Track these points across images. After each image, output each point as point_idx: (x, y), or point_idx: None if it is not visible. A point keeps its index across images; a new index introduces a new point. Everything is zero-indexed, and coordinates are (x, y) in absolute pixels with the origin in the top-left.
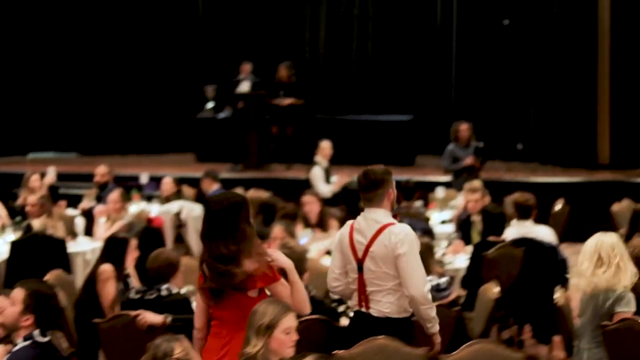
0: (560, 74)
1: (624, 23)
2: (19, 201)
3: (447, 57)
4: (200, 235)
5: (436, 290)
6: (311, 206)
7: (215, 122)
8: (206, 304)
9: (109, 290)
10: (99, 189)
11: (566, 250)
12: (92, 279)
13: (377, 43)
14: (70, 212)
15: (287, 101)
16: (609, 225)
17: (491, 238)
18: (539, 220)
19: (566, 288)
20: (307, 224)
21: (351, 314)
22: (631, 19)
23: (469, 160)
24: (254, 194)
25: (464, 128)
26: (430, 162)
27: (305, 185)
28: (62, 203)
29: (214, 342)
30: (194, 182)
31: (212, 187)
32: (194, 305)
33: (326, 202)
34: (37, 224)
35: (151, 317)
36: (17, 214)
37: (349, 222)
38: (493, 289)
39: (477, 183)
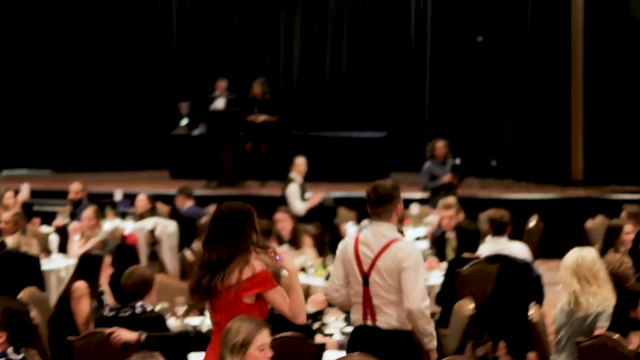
0: (533, 91)
1: (596, 39)
2: None
3: (421, 74)
4: (203, 241)
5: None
6: (284, 223)
7: (189, 138)
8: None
9: (83, 307)
10: (73, 206)
11: (540, 266)
12: (66, 297)
13: (351, 60)
14: (44, 229)
15: (261, 118)
16: (583, 241)
17: (465, 254)
18: (513, 236)
19: (541, 304)
20: (280, 241)
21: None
22: (604, 36)
23: (446, 178)
24: None
25: (440, 145)
26: (405, 178)
27: (280, 201)
28: (36, 220)
29: (213, 348)
30: (168, 199)
31: (186, 204)
32: (168, 322)
33: (300, 219)
34: (10, 241)
35: (125, 335)
36: None
37: (353, 235)
38: (468, 306)
39: (451, 199)
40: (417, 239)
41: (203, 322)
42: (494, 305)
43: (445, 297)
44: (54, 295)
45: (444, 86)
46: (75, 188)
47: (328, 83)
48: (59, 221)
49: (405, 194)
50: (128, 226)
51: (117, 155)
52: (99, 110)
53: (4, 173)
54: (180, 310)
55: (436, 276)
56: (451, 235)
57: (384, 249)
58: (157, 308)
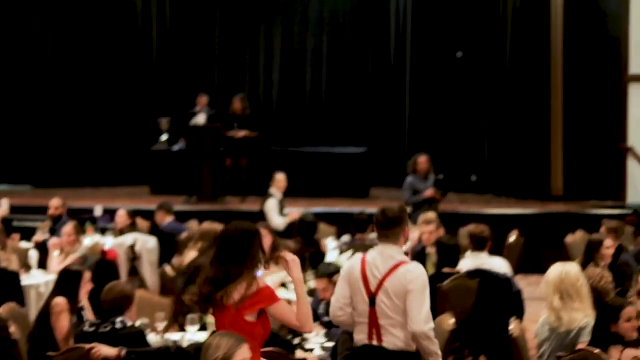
0: (513, 106)
1: (576, 56)
2: None
3: (401, 89)
4: (211, 259)
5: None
6: (264, 239)
7: (169, 154)
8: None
9: (62, 323)
10: (52, 221)
11: (521, 281)
12: (46, 312)
13: (331, 76)
14: (24, 245)
15: (242, 133)
16: (563, 256)
17: (446, 270)
18: (494, 251)
19: (521, 319)
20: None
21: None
22: (583, 51)
23: (429, 193)
24: (208, 226)
25: (422, 160)
26: (385, 194)
27: (260, 217)
28: (16, 236)
29: None
30: (149, 215)
31: (166, 220)
32: (149, 338)
33: (281, 235)
34: None
35: (106, 350)
36: None
37: (359, 255)
38: (448, 321)
39: (431, 215)
40: None
41: (183, 337)
42: (474, 320)
43: None
44: (33, 310)
45: (424, 102)
46: (55, 204)
47: (308, 99)
48: (39, 237)
49: None
50: (108, 242)
51: (97, 171)
52: (79, 126)
53: None
54: (161, 325)
55: None
56: (432, 251)
57: (392, 270)
58: (138, 324)
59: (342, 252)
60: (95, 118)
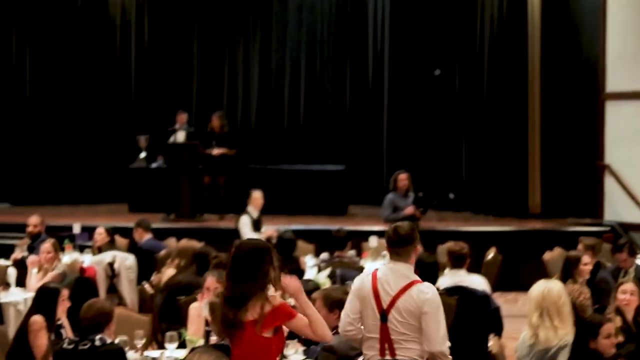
0: (491, 124)
1: (553, 73)
2: None
3: (378, 107)
4: (225, 276)
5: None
6: None
7: (147, 172)
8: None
9: (40, 341)
10: (31, 239)
11: (498, 298)
12: (24, 330)
13: (309, 94)
14: (2, 262)
15: (220, 151)
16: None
17: None
18: (472, 268)
19: (500, 336)
20: None
21: None
22: (560, 69)
23: (409, 210)
24: (186, 243)
25: (402, 177)
26: (362, 211)
27: (237, 234)
28: None
29: None
30: (127, 232)
31: (144, 237)
32: (128, 355)
33: None
34: None
35: None
36: None
37: (369, 271)
38: None
39: None
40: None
41: (163, 354)
42: (453, 336)
43: None
44: (12, 328)
45: (402, 119)
46: (33, 221)
47: (286, 117)
48: (17, 254)
49: (364, 227)
50: (87, 259)
51: (75, 189)
52: (57, 144)
53: None
54: (140, 343)
55: None
56: None
57: (405, 289)
58: (117, 341)
59: (320, 269)
60: (74, 135)
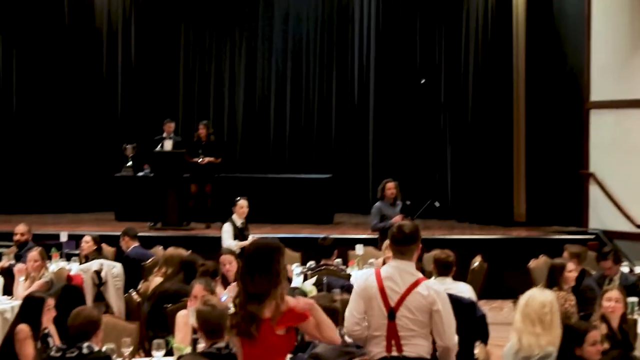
0: (476, 133)
1: (538, 82)
2: None
3: (364, 115)
4: (237, 275)
5: (356, 346)
6: (230, 265)
7: (134, 180)
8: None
9: (27, 350)
10: (18, 247)
11: (484, 306)
12: (10, 338)
13: (294, 103)
14: None
15: (206, 159)
16: (527, 281)
17: None
18: (457, 276)
19: (486, 343)
20: (226, 282)
21: None
22: (545, 78)
23: (397, 219)
24: (173, 251)
25: (390, 186)
26: (349, 220)
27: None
28: None
29: None
30: (114, 241)
31: (130, 245)
32: None
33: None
34: None
35: None
36: None
37: (370, 270)
38: None
39: None
40: None
41: None
42: None
43: None
44: None
45: (388, 128)
46: (20, 230)
47: (272, 126)
48: (4, 263)
49: (350, 235)
50: (74, 267)
51: (62, 197)
52: (43, 152)
53: None
54: (127, 351)
55: None
56: None
57: (413, 286)
58: (104, 349)
59: (307, 277)
60: (60, 144)
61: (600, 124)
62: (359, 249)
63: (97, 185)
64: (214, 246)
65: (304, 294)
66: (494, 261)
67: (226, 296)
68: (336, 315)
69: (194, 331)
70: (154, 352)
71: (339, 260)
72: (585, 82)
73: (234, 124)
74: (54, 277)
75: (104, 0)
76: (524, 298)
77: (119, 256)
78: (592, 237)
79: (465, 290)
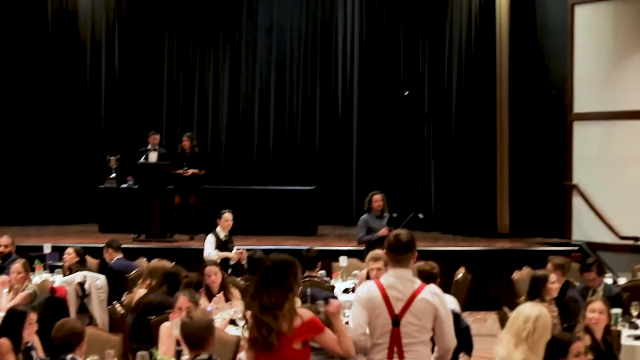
0: (460, 145)
1: (521, 94)
2: None
3: (348, 128)
4: (252, 290)
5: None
6: (215, 277)
7: (117, 192)
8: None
9: None
10: (1, 259)
11: (468, 317)
12: None
13: (278, 114)
14: None
15: (190, 171)
16: (510, 293)
17: None
18: (441, 288)
19: (470, 354)
20: (211, 294)
21: None
22: (528, 90)
23: (383, 231)
24: (157, 263)
25: (377, 198)
26: (333, 231)
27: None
28: None
29: None
30: (97, 252)
31: (114, 257)
32: None
33: (232, 272)
34: None
35: None
36: None
37: (370, 282)
38: None
39: (379, 252)
40: (346, 290)
41: None
42: None
43: None
44: None
45: (371, 140)
46: (4, 241)
47: (256, 137)
48: None
49: (333, 247)
50: (57, 279)
51: (45, 209)
52: (26, 164)
53: None
54: None
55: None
56: None
57: (416, 292)
58: None
59: None
60: (44, 155)
61: (583, 136)
62: (343, 260)
63: (80, 196)
64: (197, 258)
65: None
66: (478, 272)
67: (209, 308)
68: None
69: (178, 343)
70: None
71: (322, 272)
72: (568, 94)
73: (218, 136)
74: (37, 289)
75: (87, 12)
76: (511, 316)
77: (103, 268)
78: (575, 248)
79: (449, 302)
